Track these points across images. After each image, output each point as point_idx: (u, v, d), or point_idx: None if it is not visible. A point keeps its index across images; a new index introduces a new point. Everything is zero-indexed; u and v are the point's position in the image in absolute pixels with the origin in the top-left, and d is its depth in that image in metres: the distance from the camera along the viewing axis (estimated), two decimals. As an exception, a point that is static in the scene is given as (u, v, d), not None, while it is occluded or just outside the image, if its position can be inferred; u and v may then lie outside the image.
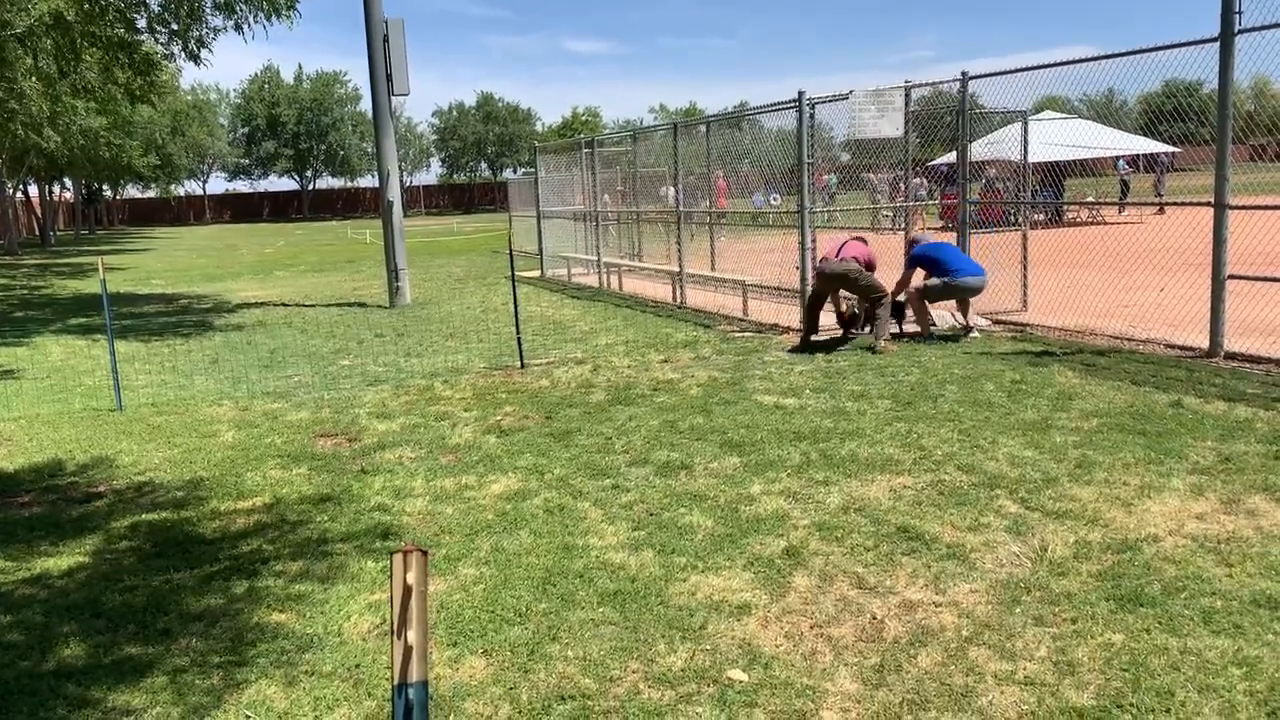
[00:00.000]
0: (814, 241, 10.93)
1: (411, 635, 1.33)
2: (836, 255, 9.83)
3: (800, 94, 10.53)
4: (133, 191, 77.21)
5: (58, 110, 20.17)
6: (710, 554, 4.60)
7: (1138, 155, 23.85)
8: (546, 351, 10.45)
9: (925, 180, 18.52)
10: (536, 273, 20.05)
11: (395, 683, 1.33)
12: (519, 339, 9.87)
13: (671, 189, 18.61)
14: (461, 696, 3.44)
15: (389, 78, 15.82)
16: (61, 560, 4.94)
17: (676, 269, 14.16)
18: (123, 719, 3.40)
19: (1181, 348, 8.62)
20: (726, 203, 18.26)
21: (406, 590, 1.33)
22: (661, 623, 3.92)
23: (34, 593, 4.55)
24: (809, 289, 10.81)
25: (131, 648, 3.94)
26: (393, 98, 16.14)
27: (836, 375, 8.37)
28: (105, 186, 64.94)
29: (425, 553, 1.33)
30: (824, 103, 10.96)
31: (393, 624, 1.34)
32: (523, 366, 9.58)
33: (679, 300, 14.00)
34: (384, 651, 3.81)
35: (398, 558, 1.38)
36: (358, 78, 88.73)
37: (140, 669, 3.74)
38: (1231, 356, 8.15)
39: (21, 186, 47.53)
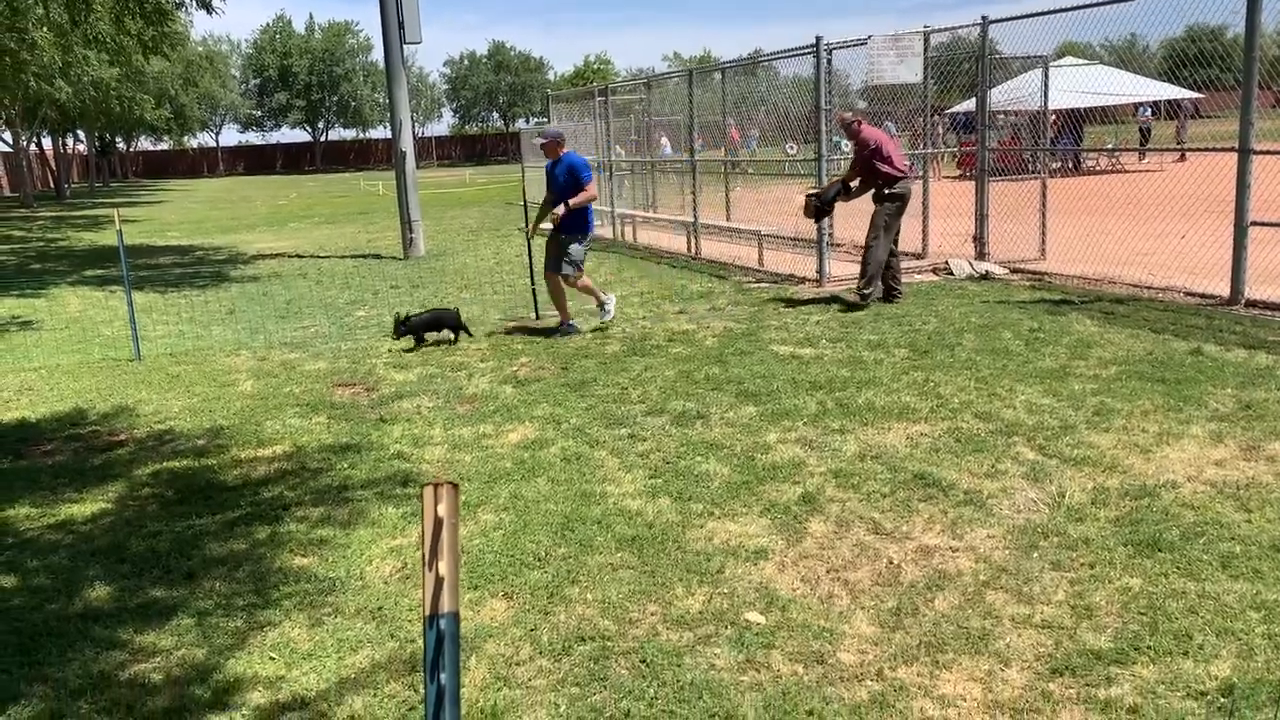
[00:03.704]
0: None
1: (443, 567, 1.34)
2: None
3: (818, 39, 10.38)
4: (146, 144, 77.13)
5: (69, 61, 20.07)
6: (727, 501, 4.62)
7: (1159, 101, 23.49)
8: (562, 302, 10.42)
9: (942, 129, 18.31)
10: (550, 224, 19.97)
11: (426, 614, 1.35)
12: (534, 290, 9.86)
13: (666, 141, 18.47)
14: (483, 637, 3.48)
15: (401, 26, 15.66)
16: (85, 507, 5.00)
17: (691, 219, 14.08)
18: (150, 659, 3.46)
19: (1201, 295, 8.55)
20: (744, 151, 18.07)
21: (438, 522, 1.34)
22: (679, 567, 3.95)
23: (59, 538, 4.61)
24: (828, 237, 10.73)
25: (156, 591, 4.00)
26: (405, 46, 16.00)
27: (853, 325, 8.35)
28: (118, 139, 64.83)
29: (456, 485, 1.34)
30: (842, 48, 10.81)
31: (424, 555, 1.36)
32: (538, 318, 9.58)
33: (694, 251, 13.94)
34: (406, 594, 3.85)
35: (429, 490, 1.39)
36: (369, 27, 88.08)
37: (166, 611, 3.80)
38: (1253, 304, 8.08)
39: (35, 139, 47.48)
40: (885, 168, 9.09)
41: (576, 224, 8.80)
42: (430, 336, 8.64)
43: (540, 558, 4.10)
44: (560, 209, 8.66)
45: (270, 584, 4.00)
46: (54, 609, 3.89)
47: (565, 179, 8.77)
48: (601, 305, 8.99)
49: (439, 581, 1.32)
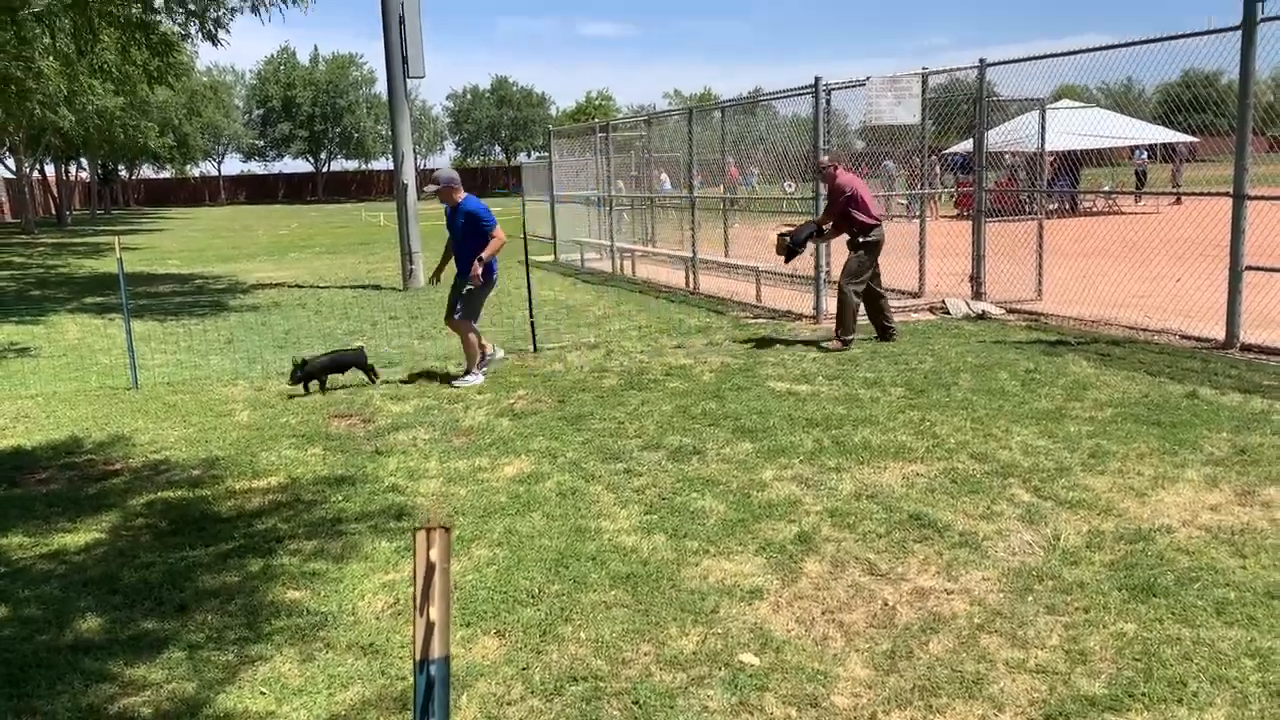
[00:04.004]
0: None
1: (433, 612, 1.34)
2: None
3: (817, 79, 10.49)
4: (148, 172, 77.43)
5: (75, 89, 20.20)
6: (722, 539, 4.61)
7: (1155, 145, 23.69)
8: (559, 336, 10.47)
9: (939, 169, 18.43)
10: (550, 257, 20.05)
11: (417, 659, 1.35)
12: (532, 323, 9.88)
13: (666, 177, 18.60)
14: (475, 676, 3.47)
15: (404, 60, 15.81)
16: (79, 536, 4.99)
17: (690, 254, 14.15)
18: (139, 693, 3.44)
19: (1197, 339, 8.58)
20: (743, 189, 18.19)
21: (429, 567, 1.34)
22: (673, 606, 3.94)
23: (52, 568, 4.59)
24: (825, 274, 10.79)
25: (148, 623, 3.98)
26: (408, 80, 16.13)
27: (849, 362, 8.36)
28: (121, 166, 65.13)
29: (448, 530, 1.34)
30: (841, 89, 10.91)
31: (415, 600, 1.36)
32: (536, 350, 9.60)
33: (692, 286, 13.99)
34: (398, 630, 3.84)
35: (420, 534, 1.39)
36: (373, 60, 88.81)
37: (157, 644, 3.78)
38: (1248, 348, 8.11)
39: (38, 166, 47.71)
40: (861, 215, 9.08)
41: (483, 272, 8.21)
42: (339, 379, 8.28)
43: (533, 595, 4.09)
44: (478, 267, 8.10)
45: (262, 617, 3.98)
46: (44, 640, 3.86)
47: (464, 227, 8.26)
48: (483, 359, 8.44)
49: (430, 626, 1.32)
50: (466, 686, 3.39)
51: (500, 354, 8.78)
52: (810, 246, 9.81)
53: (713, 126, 15.13)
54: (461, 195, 8.35)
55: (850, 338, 9.06)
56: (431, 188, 8.42)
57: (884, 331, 9.33)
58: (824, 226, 9.46)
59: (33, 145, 39.14)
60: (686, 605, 3.94)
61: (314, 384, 8.11)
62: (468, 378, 8.25)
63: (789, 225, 10.02)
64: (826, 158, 9.72)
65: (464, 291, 8.27)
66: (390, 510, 5.19)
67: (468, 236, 8.24)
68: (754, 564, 4.33)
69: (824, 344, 9.10)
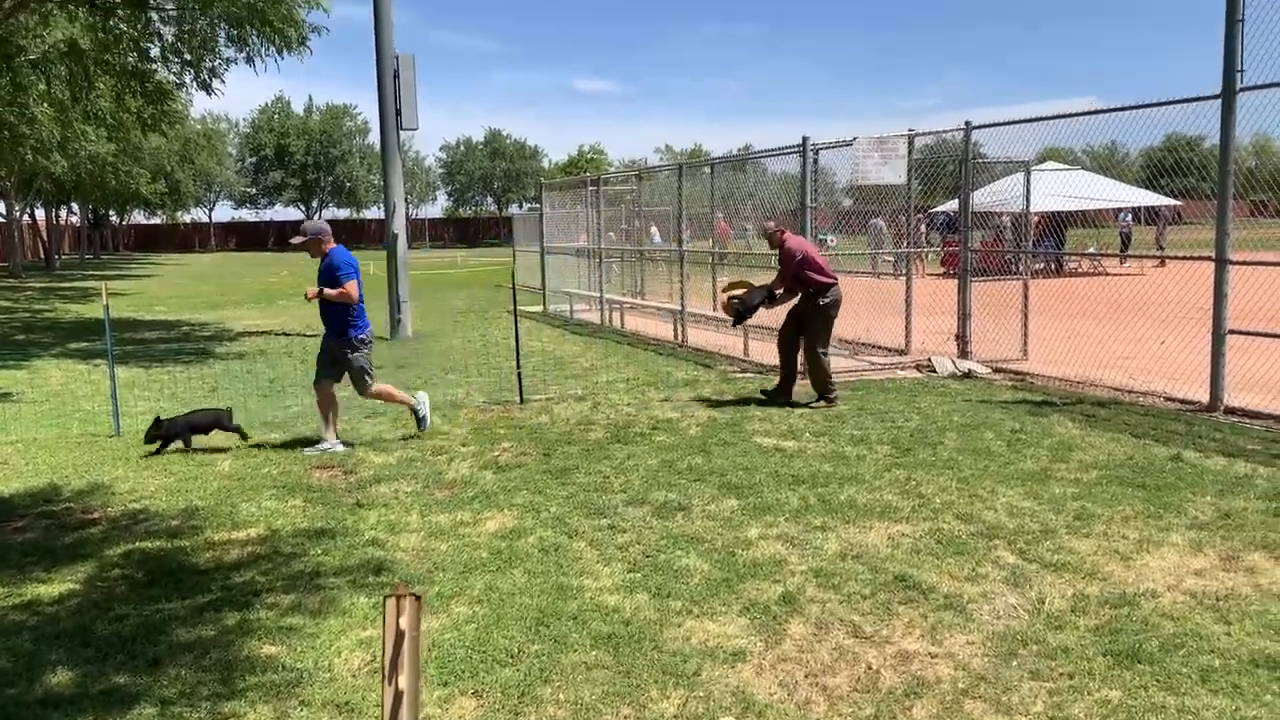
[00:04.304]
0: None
1: (403, 681, 1.31)
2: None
3: (804, 139, 10.62)
4: (139, 217, 77.63)
5: (68, 135, 20.30)
6: (706, 598, 4.57)
7: (1139, 208, 23.99)
8: (546, 387, 10.45)
9: (925, 228, 18.60)
10: (539, 308, 20.10)
11: (385, 730, 1.32)
12: (519, 374, 9.87)
13: (656, 230, 18.74)
14: (451, 737, 3.40)
15: (398, 112, 15.96)
16: (53, 587, 4.91)
17: (678, 307, 14.19)
18: (108, 751, 3.36)
19: (1181, 401, 8.62)
20: (735, 244, 18.31)
21: (399, 635, 1.32)
22: (655, 668, 3.89)
23: (24, 619, 4.51)
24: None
25: (120, 677, 3.90)
26: (401, 132, 16.27)
27: (836, 419, 8.36)
28: (112, 212, 65.27)
29: (419, 598, 1.32)
30: (828, 149, 11.04)
31: (384, 669, 1.33)
32: (522, 402, 9.57)
33: (680, 339, 14.02)
34: (374, 689, 3.77)
35: (390, 602, 1.37)
36: (367, 110, 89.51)
37: (128, 699, 3.71)
38: (1231, 411, 8.15)
39: (29, 210, 47.76)
40: (817, 276, 9.01)
41: (340, 324, 7.79)
42: (209, 438, 7.94)
43: (513, 654, 4.03)
44: (312, 290, 7.76)
45: (237, 673, 3.91)
46: (12, 693, 3.78)
47: (325, 280, 7.79)
48: (415, 411, 8.25)
49: (399, 696, 1.29)
50: (442, 748, 3.33)
51: (423, 404, 8.30)
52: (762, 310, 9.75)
53: (702, 182, 15.27)
54: (330, 247, 7.85)
55: (834, 394, 9.05)
56: (298, 239, 7.95)
57: (785, 386, 9.26)
58: (776, 291, 9.34)
59: (24, 189, 39.22)
60: (668, 667, 3.89)
61: (171, 442, 7.73)
62: (421, 421, 8.16)
63: (737, 286, 9.90)
64: (772, 223, 9.59)
65: (339, 356, 7.80)
66: (369, 565, 5.13)
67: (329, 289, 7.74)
68: (737, 625, 4.28)
69: (812, 404, 9.08)
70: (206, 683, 3.84)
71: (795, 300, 9.29)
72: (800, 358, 9.31)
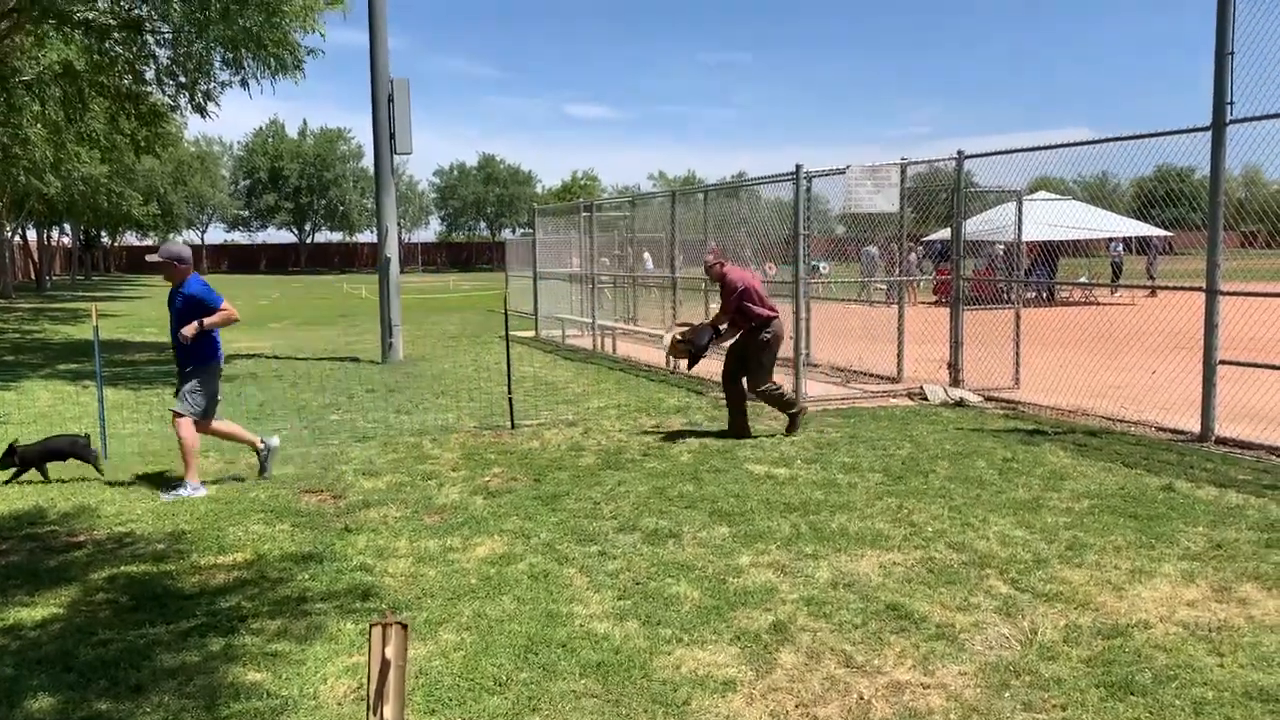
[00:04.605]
0: (808, 312, 10.97)
1: (389, 711, 1.29)
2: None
3: (798, 167, 10.66)
4: (131, 239, 77.57)
5: (61, 157, 20.32)
6: (696, 627, 4.53)
7: (1131, 237, 24.13)
8: (538, 412, 10.42)
9: (917, 255, 18.69)
10: (531, 333, 20.09)
11: (369, 762, 1.29)
12: (510, 399, 9.84)
13: (649, 256, 18.79)
14: (437, 767, 3.35)
15: (392, 136, 15.99)
16: (36, 611, 4.85)
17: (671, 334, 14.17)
18: (87, 780, 3.30)
19: (1173, 431, 8.62)
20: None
21: (385, 664, 1.29)
22: (644, 697, 3.85)
23: (5, 643, 4.45)
24: (805, 356, 10.84)
25: (102, 703, 3.85)
26: (395, 156, 16.30)
27: (828, 446, 8.35)
28: (104, 233, 65.21)
29: (405, 626, 1.30)
30: (821, 176, 11.09)
31: (369, 699, 1.31)
32: (513, 427, 9.53)
33: (672, 365, 14.00)
34: (360, 717, 3.72)
35: (376, 630, 1.34)
36: (361, 134, 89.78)
37: (109, 727, 3.65)
38: (1223, 441, 8.15)
39: (20, 230, 47.71)
40: (757, 309, 8.89)
41: (204, 353, 7.41)
42: (66, 465, 7.73)
43: (501, 682, 3.98)
44: (193, 328, 7.21)
45: (221, 700, 3.85)
46: (-9, 721, 3.73)
47: (183, 310, 7.34)
48: (258, 451, 7.69)
49: (384, 729, 1.27)
50: (428, 778, 3.28)
51: (275, 441, 7.82)
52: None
53: (696, 208, 15.32)
54: (188, 274, 7.46)
55: (797, 409, 9.06)
56: (154, 257, 7.55)
57: (738, 423, 9.01)
58: (720, 326, 9.14)
59: (16, 210, 39.19)
60: (658, 696, 3.85)
61: (22, 469, 7.52)
62: (182, 489, 7.12)
63: (682, 327, 9.61)
64: (711, 256, 9.35)
65: (189, 378, 7.38)
66: (357, 590, 5.08)
67: (185, 320, 7.29)
68: (728, 654, 4.24)
69: (787, 431, 8.94)
70: (190, 709, 3.78)
71: (738, 335, 9.10)
72: (747, 390, 9.08)
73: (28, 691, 3.95)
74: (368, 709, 1.28)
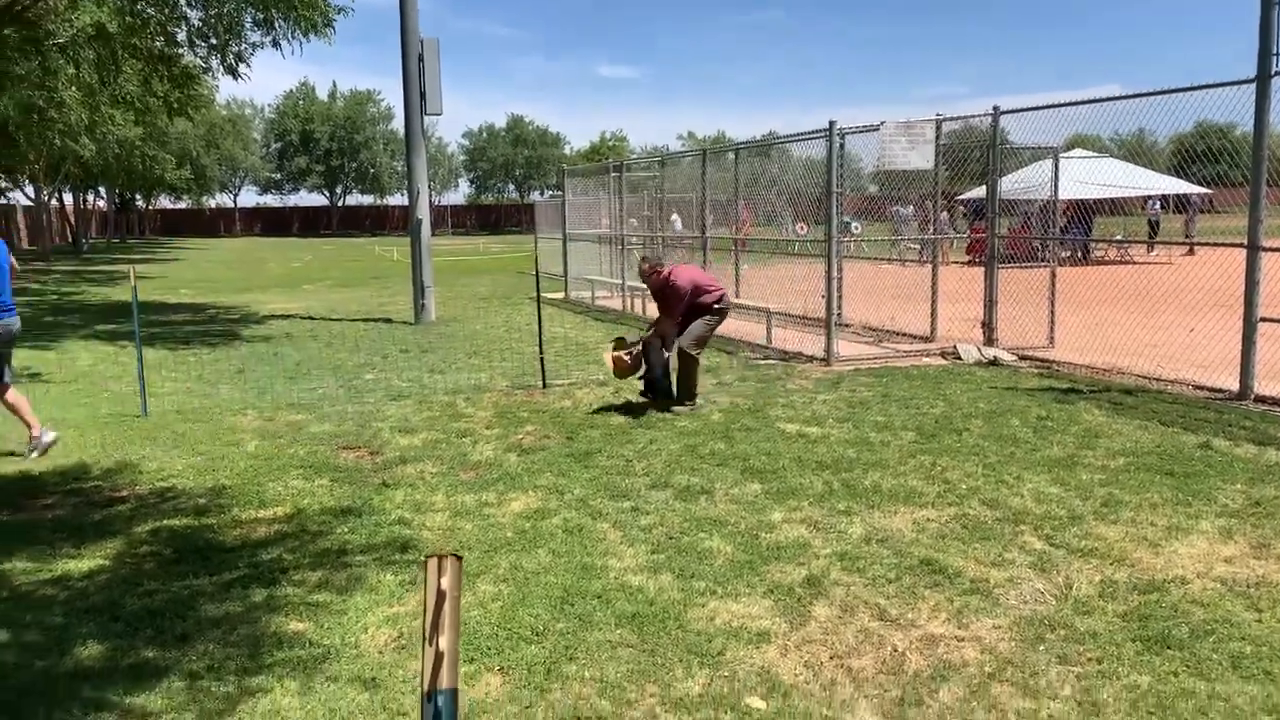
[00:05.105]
0: (840, 271, 10.90)
1: (443, 642, 1.31)
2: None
3: (831, 123, 10.55)
4: (165, 202, 78.18)
5: (96, 119, 20.45)
6: (730, 580, 4.56)
7: (1168, 195, 23.73)
8: (569, 372, 10.46)
9: (949, 214, 18.47)
10: (560, 294, 20.11)
11: (425, 690, 1.32)
12: (542, 359, 9.88)
13: (678, 217, 18.68)
14: (477, 714, 3.42)
15: (423, 96, 15.96)
16: (82, 563, 4.96)
17: (701, 295, 14.14)
18: (138, 723, 3.40)
19: (1210, 389, 8.53)
20: (751, 230, 18.26)
21: (440, 595, 1.32)
22: (679, 647, 3.89)
23: (54, 594, 4.56)
24: (837, 316, 10.79)
25: (149, 651, 3.94)
26: (425, 117, 16.29)
27: (860, 406, 8.33)
28: (138, 196, 65.77)
29: (460, 558, 1.32)
30: (854, 133, 10.97)
31: (424, 629, 1.33)
32: (545, 387, 9.58)
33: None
34: (401, 665, 3.79)
35: (432, 562, 1.37)
36: (391, 96, 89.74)
37: (157, 672, 3.74)
38: (1262, 400, 8.05)
39: (57, 194, 48.21)
40: (709, 298, 8.57)
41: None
42: None
43: (538, 632, 4.04)
44: None
45: (264, 649, 3.94)
46: (44, 666, 3.83)
47: None
48: (31, 437, 7.27)
49: (439, 657, 1.29)
50: (468, 724, 3.34)
51: (51, 437, 7.35)
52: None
53: (726, 168, 15.21)
54: None
55: (694, 402, 8.47)
56: None
57: (657, 387, 8.73)
58: (670, 332, 8.61)
59: (52, 174, 39.57)
60: (693, 647, 3.89)
61: None
62: (39, 441, 7.18)
63: (620, 346, 8.80)
64: (647, 265, 8.73)
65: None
66: (396, 543, 5.15)
67: None
68: (762, 606, 4.28)
69: (675, 408, 8.35)
70: (234, 657, 3.87)
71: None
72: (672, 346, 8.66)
73: (77, 639, 4.06)
74: (423, 640, 1.31)
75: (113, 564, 4.95)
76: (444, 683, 1.34)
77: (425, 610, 1.34)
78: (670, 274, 8.63)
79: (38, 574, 4.82)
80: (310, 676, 3.70)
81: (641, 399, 8.71)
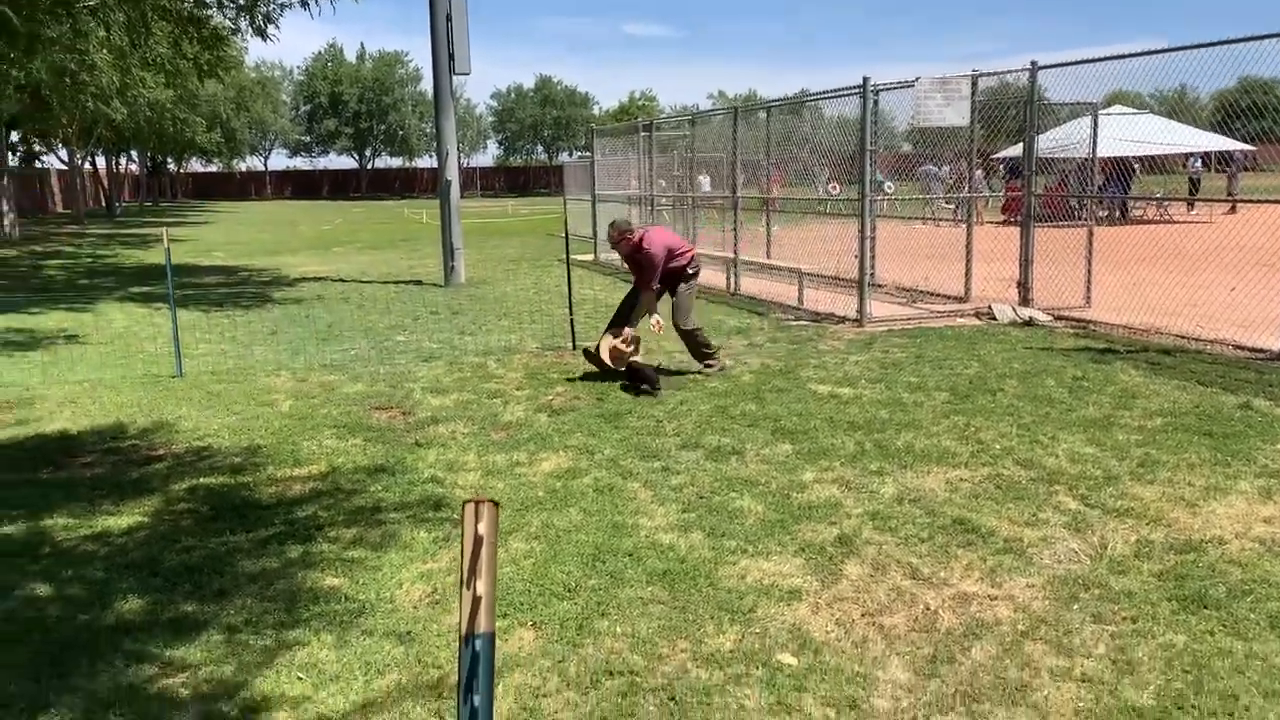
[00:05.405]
0: (874, 230, 10.78)
1: (481, 586, 1.31)
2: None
3: (865, 80, 10.40)
4: (196, 165, 78.60)
5: (127, 82, 20.54)
6: (761, 539, 4.56)
7: (1210, 152, 23.25)
8: (599, 335, 10.43)
9: (984, 173, 18.20)
10: (590, 256, 20.06)
11: (463, 633, 1.32)
12: (571, 320, 9.87)
13: (706, 179, 18.53)
14: (510, 667, 3.45)
15: (451, 57, 15.88)
16: (121, 519, 5.04)
17: (731, 256, 14.08)
18: (178, 674, 3.45)
19: (1251, 349, 8.39)
20: (780, 190, 18.08)
21: (477, 540, 1.32)
22: (710, 604, 3.90)
23: (95, 549, 4.64)
24: (870, 277, 10.69)
25: (188, 605, 4.00)
26: (454, 77, 16.20)
27: (893, 366, 8.27)
28: (169, 160, 66.15)
29: (496, 504, 1.32)
30: (889, 89, 10.81)
31: (462, 573, 1.33)
32: (575, 348, 9.58)
33: (733, 288, 13.93)
34: (435, 619, 3.83)
35: (469, 507, 1.37)
36: (419, 58, 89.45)
37: (196, 626, 3.80)
38: (1303, 360, 7.92)
39: (89, 158, 48.58)
40: (682, 261, 8.38)
41: None
42: None
43: (570, 588, 4.07)
44: None
45: (300, 603, 3.99)
46: (86, 620, 3.90)
47: None
48: None
49: (476, 601, 1.29)
50: (502, 677, 3.37)
51: None
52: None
53: (757, 127, 15.05)
54: None
55: (714, 364, 8.33)
56: None
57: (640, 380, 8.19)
58: (651, 304, 8.32)
59: (85, 137, 39.85)
60: (724, 604, 3.90)
61: None
62: None
63: (617, 337, 8.17)
64: (616, 231, 8.41)
65: None
66: (429, 501, 5.19)
67: None
68: (793, 565, 4.27)
69: (704, 370, 8.26)
70: (271, 612, 3.92)
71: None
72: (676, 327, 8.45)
73: (118, 594, 4.13)
74: (460, 584, 1.31)
75: (151, 521, 5.02)
76: (482, 626, 1.34)
77: (462, 555, 1.34)
78: (642, 239, 8.30)
79: (78, 530, 4.90)
80: (346, 630, 3.75)
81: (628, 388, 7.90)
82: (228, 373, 8.81)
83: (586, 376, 8.21)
